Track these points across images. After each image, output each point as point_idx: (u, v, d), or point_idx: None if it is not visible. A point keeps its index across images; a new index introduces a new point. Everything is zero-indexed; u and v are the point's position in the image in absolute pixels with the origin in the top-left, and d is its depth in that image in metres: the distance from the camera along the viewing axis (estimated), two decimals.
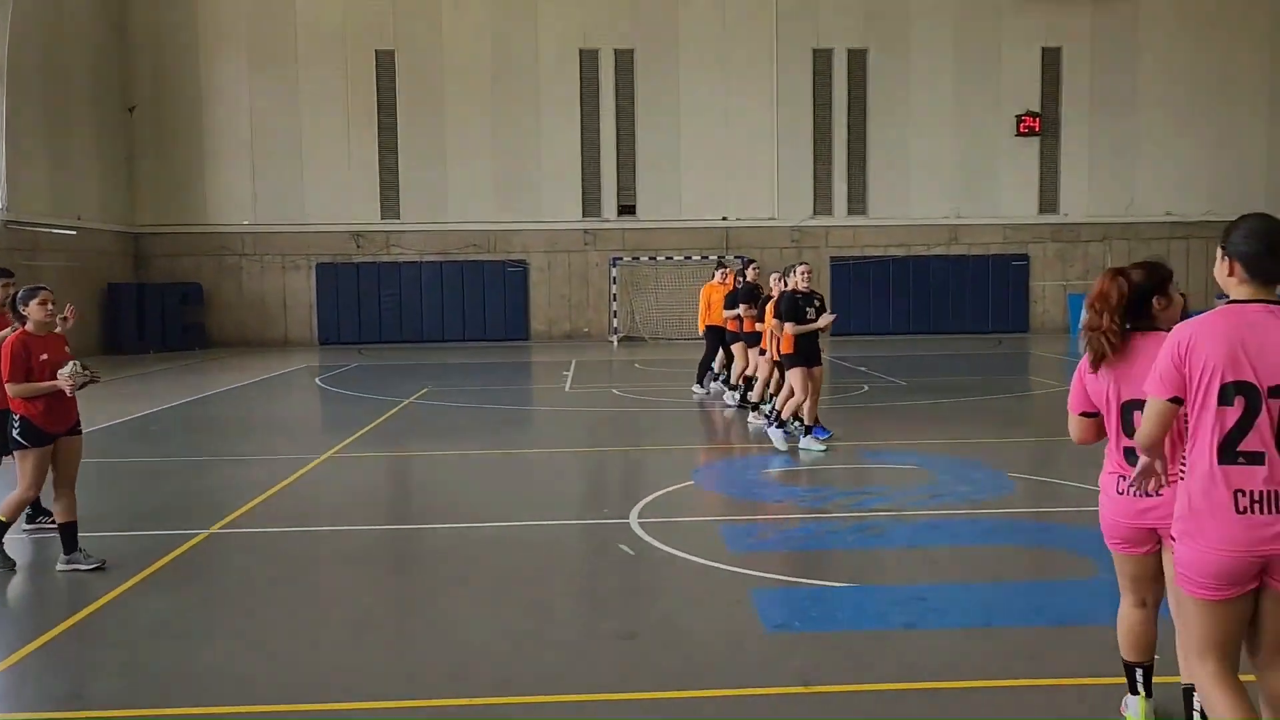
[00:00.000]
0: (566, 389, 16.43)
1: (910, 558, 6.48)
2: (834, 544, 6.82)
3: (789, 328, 9.92)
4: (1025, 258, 28.12)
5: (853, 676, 4.47)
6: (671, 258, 27.41)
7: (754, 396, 12.11)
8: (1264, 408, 2.91)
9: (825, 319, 9.94)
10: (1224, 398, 2.94)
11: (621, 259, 27.44)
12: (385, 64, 27.01)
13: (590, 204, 27.52)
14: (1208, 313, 3.09)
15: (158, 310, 25.34)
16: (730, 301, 13.07)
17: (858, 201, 27.87)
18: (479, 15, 26.94)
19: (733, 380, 13.64)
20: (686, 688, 4.41)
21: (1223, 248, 3.10)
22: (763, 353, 11.73)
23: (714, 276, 14.71)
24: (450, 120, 27.03)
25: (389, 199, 27.33)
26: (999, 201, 27.99)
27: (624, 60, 27.26)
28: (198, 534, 7.08)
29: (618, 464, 10.31)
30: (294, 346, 26.71)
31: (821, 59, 27.48)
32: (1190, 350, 2.98)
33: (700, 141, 27.24)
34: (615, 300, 27.41)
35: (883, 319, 27.26)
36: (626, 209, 27.57)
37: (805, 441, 9.76)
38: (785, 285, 10.51)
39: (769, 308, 11.02)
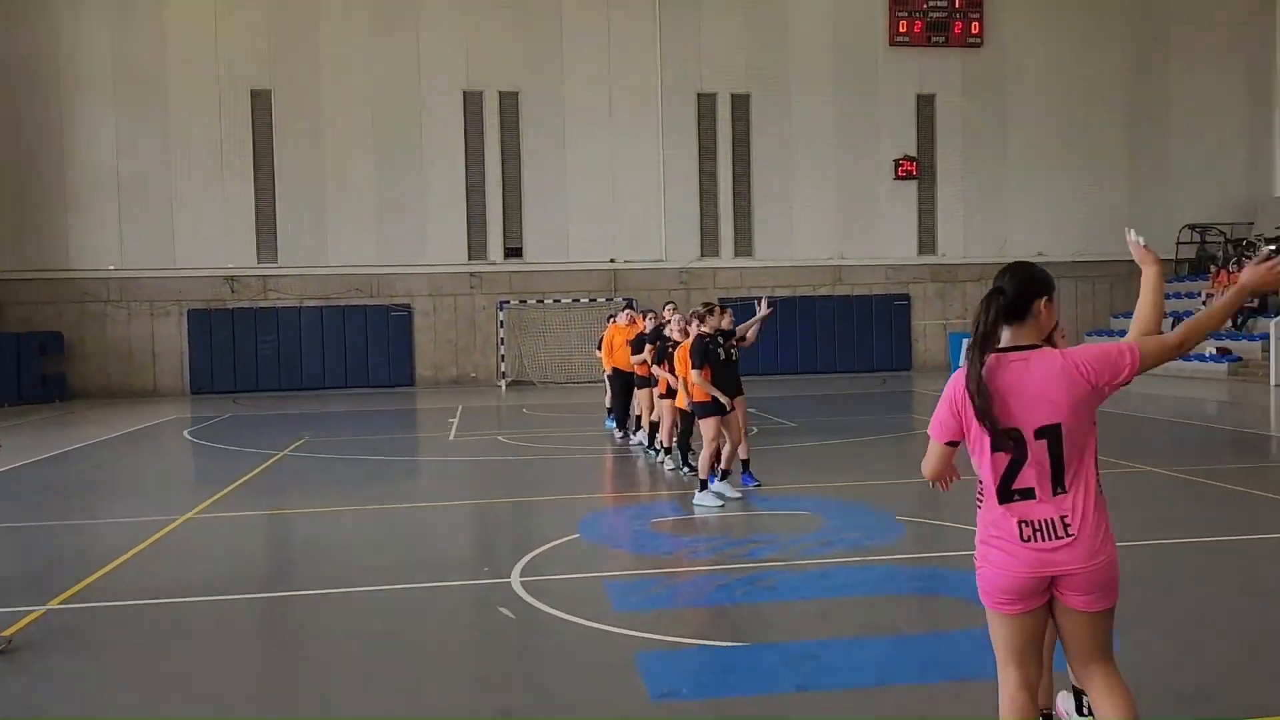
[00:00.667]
0: (451, 437, 15.93)
1: (802, 611, 6.28)
2: (724, 599, 6.58)
3: (693, 375, 9.44)
4: (907, 297, 28.80)
5: None
6: (559, 300, 27.17)
7: (662, 442, 11.75)
8: (1029, 450, 3.16)
9: (760, 312, 10.49)
10: (996, 444, 3.18)
11: (509, 302, 27.05)
12: (261, 104, 26.19)
13: (476, 246, 27.10)
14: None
15: (13, 361, 23.79)
16: (638, 345, 12.67)
17: (744, 243, 28.17)
18: (359, 54, 26.42)
19: (638, 425, 13.30)
20: None
21: None
22: (664, 396, 11.35)
23: (616, 318, 14.52)
24: (330, 161, 26.35)
25: (266, 242, 26.41)
26: (880, 243, 28.65)
27: (509, 102, 27.06)
28: (32, 611, 6.42)
29: (501, 517, 9.91)
30: (164, 397, 25.42)
31: (706, 102, 27.81)
32: (964, 403, 3.23)
33: (586, 183, 27.18)
34: (503, 344, 26.97)
35: (770, 359, 27.45)
36: (513, 251, 27.25)
37: (700, 497, 9.45)
38: (693, 328, 10.18)
39: (679, 353, 10.19)
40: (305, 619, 6.50)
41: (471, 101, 26.92)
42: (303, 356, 26.38)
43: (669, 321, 11.39)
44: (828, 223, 28.27)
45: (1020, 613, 3.23)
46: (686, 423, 10.56)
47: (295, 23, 26.23)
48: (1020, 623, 3.25)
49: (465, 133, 26.92)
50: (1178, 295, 27.90)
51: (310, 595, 6.97)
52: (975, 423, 3.18)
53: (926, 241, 28.96)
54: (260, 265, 26.39)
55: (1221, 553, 7.41)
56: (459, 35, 26.70)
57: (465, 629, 6.28)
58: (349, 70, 26.36)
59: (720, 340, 9.75)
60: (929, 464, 3.41)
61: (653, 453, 12.29)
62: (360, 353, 26.59)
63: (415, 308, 26.93)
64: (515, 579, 7.02)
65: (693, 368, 9.47)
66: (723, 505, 9.30)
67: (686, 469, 10.78)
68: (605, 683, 5.08)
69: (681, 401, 10.33)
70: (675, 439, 11.17)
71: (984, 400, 3.15)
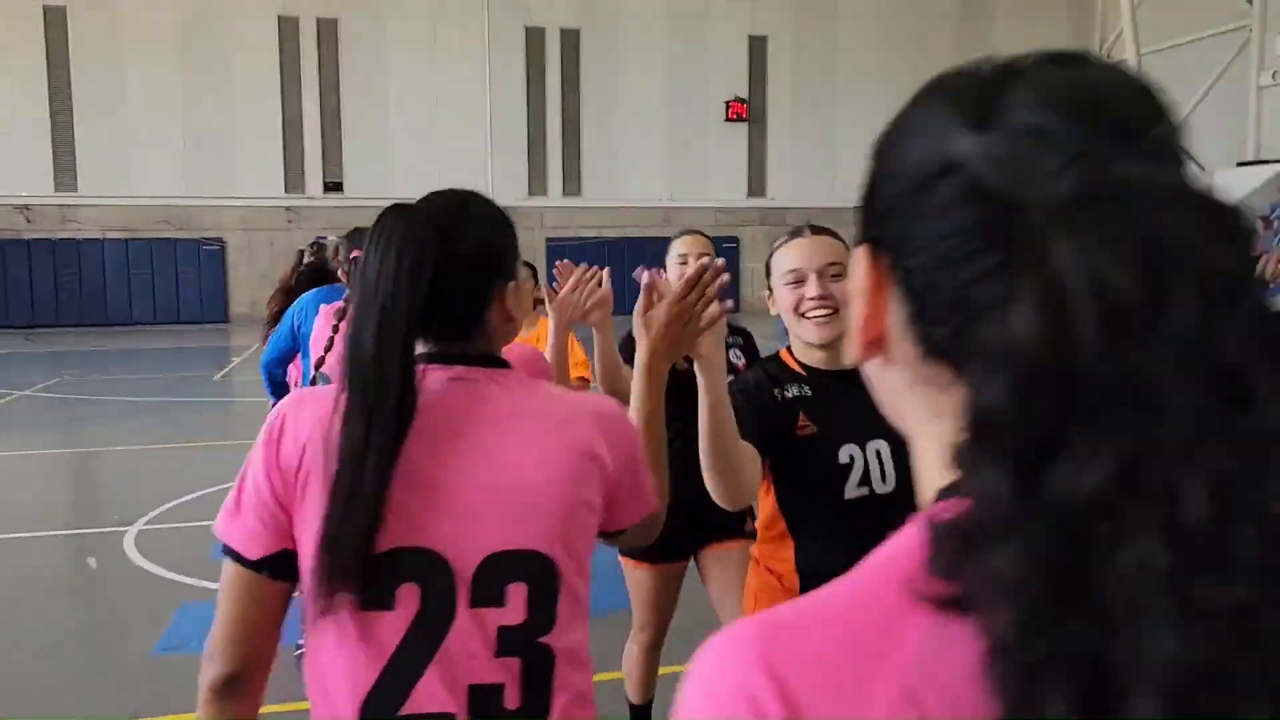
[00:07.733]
0: (216, 378, 15.52)
1: None
2: None
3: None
4: (736, 240, 29.09)
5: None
6: None
7: None
8: None
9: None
10: None
11: (328, 238, 26.31)
12: (55, 20, 24.64)
13: (293, 180, 26.26)
14: None
15: None
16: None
17: (572, 183, 27.97)
18: None
19: None
20: None
21: None
22: None
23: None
24: (133, 80, 24.97)
25: (64, 167, 25.05)
26: (710, 185, 28.80)
27: (328, 31, 26.08)
28: None
29: (205, 460, 9.70)
30: None
31: (534, 38, 27.30)
32: None
33: (411, 118, 26.49)
34: None
35: None
36: (333, 185, 26.50)
37: None
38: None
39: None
40: None
41: (287, 27, 25.86)
42: (108, 291, 25.31)
43: None
44: (657, 163, 28.25)
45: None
46: None
47: None
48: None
49: (280, 60, 25.88)
50: None
51: None
52: None
53: (756, 184, 29.25)
54: (58, 194, 25.06)
55: None
56: None
57: (43, 579, 6.12)
58: None
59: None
60: None
61: None
62: (170, 288, 25.64)
63: (229, 242, 26.04)
64: (136, 528, 6.91)
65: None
66: None
67: None
68: (118, 633, 5.05)
69: None
70: None
71: None
